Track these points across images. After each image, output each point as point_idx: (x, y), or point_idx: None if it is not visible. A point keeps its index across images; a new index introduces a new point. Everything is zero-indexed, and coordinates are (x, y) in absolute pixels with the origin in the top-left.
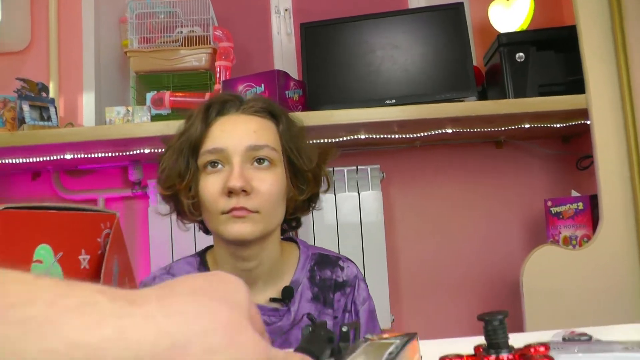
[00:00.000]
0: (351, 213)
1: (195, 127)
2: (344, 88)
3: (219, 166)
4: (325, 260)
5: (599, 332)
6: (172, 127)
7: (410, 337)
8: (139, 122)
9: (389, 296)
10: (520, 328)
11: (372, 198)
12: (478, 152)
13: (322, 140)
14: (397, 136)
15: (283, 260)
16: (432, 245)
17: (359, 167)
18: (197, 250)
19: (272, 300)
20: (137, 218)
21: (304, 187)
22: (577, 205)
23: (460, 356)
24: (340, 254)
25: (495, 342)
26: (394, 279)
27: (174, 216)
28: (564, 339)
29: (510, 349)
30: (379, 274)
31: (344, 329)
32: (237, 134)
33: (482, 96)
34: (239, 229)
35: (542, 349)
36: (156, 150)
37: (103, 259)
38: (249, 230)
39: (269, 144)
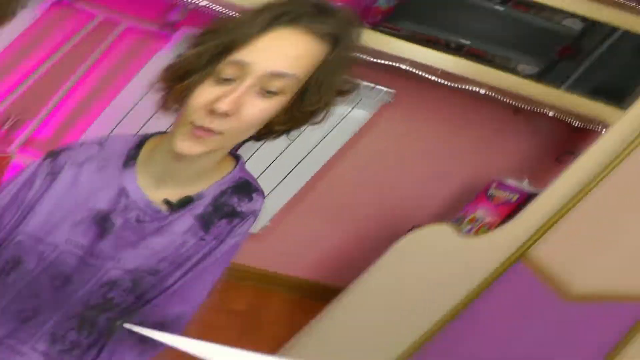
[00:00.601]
0: None
1: (246, 27)
2: (431, 7)
3: (226, 79)
4: (243, 187)
5: None
6: None
7: None
8: None
9: (280, 204)
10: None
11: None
12: (492, 112)
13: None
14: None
15: (212, 170)
16: (355, 178)
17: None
18: (137, 135)
19: (165, 202)
20: None
21: (295, 118)
22: (512, 196)
23: None
24: (260, 186)
25: None
26: (300, 192)
27: None
28: None
29: None
30: (289, 178)
31: None
32: (278, 54)
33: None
34: (186, 146)
35: None
36: None
37: None
38: (197, 150)
39: (296, 75)
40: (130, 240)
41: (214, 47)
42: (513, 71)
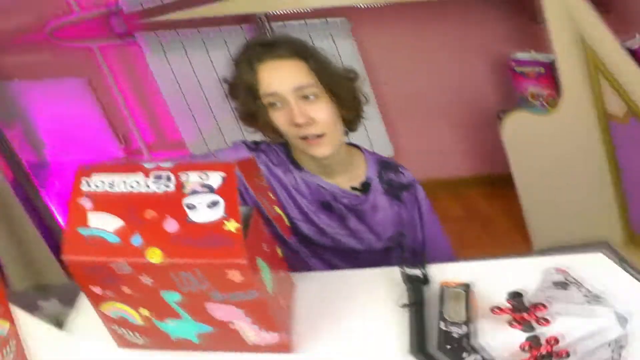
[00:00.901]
0: None
1: (245, 74)
2: None
3: (279, 104)
4: (388, 166)
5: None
6: None
7: (467, 286)
8: None
9: (385, 129)
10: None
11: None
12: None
13: None
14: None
15: (352, 160)
16: (410, 83)
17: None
18: (278, 142)
19: (353, 188)
20: (136, 64)
21: (349, 106)
22: (539, 70)
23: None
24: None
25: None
26: (386, 113)
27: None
28: (553, 284)
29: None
30: (371, 111)
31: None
32: (281, 79)
33: None
34: (320, 151)
35: (541, 306)
36: None
37: None
38: (327, 151)
39: (308, 83)
40: (364, 221)
41: (241, 92)
42: None
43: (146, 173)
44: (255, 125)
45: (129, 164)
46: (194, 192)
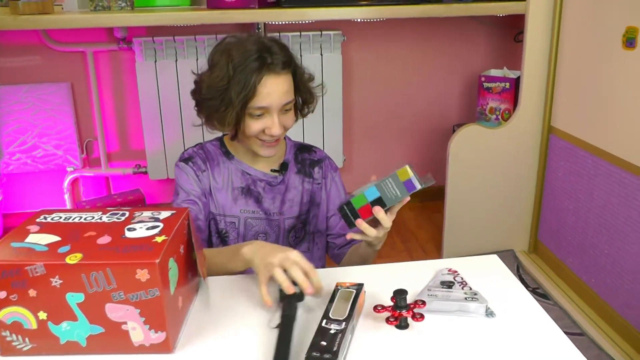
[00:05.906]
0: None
1: (248, 85)
2: None
3: (261, 115)
4: (303, 147)
5: (471, 271)
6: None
7: (360, 286)
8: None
9: (342, 141)
10: (442, 191)
11: (332, 60)
12: (428, 22)
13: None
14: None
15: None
16: (382, 99)
17: (323, 32)
18: (214, 138)
19: (272, 170)
20: (124, 70)
21: (309, 108)
22: (505, 85)
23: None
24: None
25: (399, 305)
26: (347, 126)
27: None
28: (440, 283)
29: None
30: (335, 122)
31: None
32: (277, 96)
33: None
34: (269, 152)
35: (420, 303)
36: None
37: None
38: (274, 153)
39: (292, 99)
40: (277, 199)
41: (234, 101)
42: None
43: (105, 212)
44: (220, 128)
45: (94, 208)
46: (140, 222)
